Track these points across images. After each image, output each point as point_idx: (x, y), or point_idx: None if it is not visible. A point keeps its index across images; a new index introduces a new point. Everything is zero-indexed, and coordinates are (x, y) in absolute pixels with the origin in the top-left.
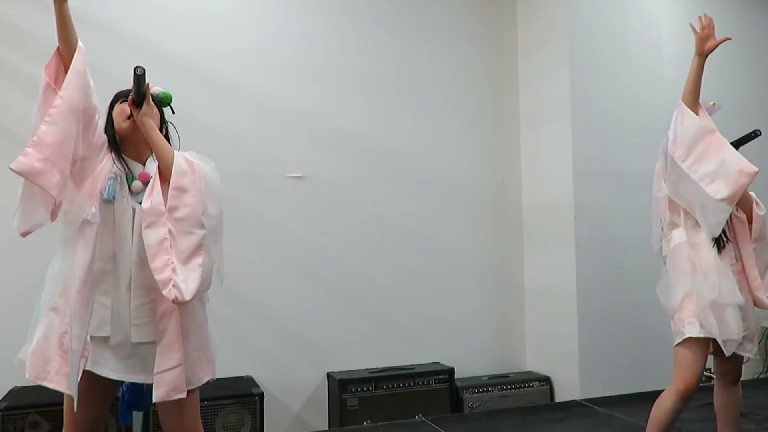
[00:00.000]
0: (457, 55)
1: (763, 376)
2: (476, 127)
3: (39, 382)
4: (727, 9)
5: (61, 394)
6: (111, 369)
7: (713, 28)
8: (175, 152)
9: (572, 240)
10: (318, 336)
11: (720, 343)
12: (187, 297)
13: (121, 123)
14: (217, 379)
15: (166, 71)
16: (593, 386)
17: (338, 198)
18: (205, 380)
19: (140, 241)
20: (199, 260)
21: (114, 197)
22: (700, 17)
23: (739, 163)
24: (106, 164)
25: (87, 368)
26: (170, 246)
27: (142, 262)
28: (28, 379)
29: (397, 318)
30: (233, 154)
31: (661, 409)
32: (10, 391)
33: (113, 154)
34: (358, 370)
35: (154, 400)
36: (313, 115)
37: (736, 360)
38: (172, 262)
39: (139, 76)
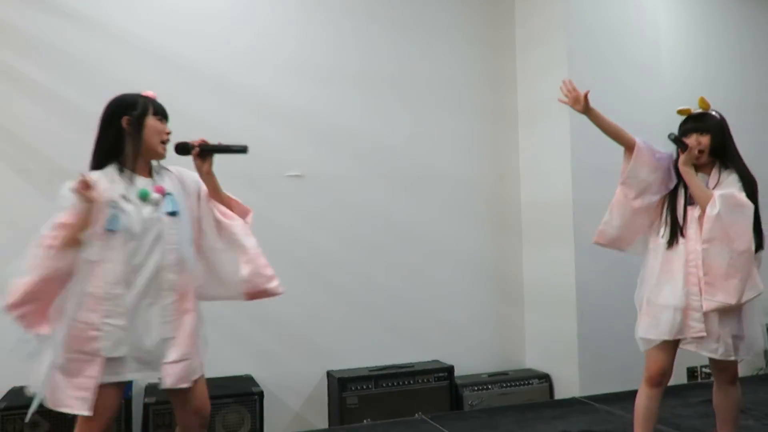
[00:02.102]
0: (456, 52)
1: (763, 372)
2: (475, 125)
3: (57, 409)
4: (727, 8)
5: None
6: (130, 371)
7: (574, 87)
8: None
9: (571, 237)
10: (317, 334)
11: (638, 340)
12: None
13: (157, 142)
14: (216, 378)
15: (165, 71)
16: (593, 383)
17: (337, 196)
18: (200, 373)
19: (167, 247)
20: None
21: (118, 227)
22: (560, 87)
23: None
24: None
25: (107, 381)
26: None
27: (170, 266)
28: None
29: (397, 316)
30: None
31: (638, 399)
32: (9, 391)
33: (119, 172)
34: (358, 368)
35: (163, 386)
36: (312, 114)
37: (726, 360)
38: None
39: (236, 151)
